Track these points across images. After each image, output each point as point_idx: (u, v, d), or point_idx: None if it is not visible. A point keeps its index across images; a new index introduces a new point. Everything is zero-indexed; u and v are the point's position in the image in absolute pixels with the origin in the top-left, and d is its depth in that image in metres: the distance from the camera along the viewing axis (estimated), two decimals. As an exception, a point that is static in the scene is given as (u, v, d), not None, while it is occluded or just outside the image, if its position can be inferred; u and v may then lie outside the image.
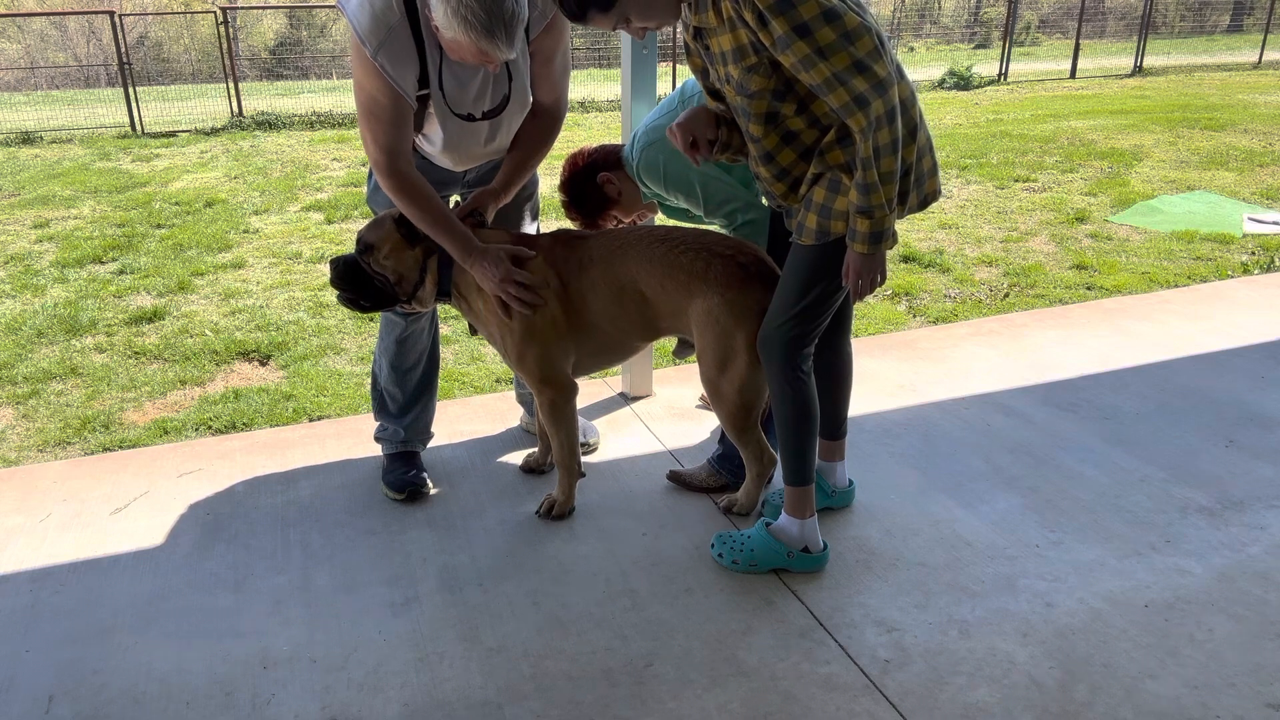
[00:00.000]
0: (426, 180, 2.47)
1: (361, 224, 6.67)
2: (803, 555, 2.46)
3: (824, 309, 2.30)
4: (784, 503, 2.48)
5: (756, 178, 2.34)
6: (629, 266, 2.51)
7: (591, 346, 2.63)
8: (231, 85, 12.70)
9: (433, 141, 2.55)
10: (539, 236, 2.68)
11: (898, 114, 2.03)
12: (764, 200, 2.46)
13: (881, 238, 2.13)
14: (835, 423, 2.63)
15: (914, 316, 4.81)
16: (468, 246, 2.47)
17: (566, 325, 2.56)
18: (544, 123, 2.64)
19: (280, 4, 20.15)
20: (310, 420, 3.71)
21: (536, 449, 3.04)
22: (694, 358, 2.71)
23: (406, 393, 2.91)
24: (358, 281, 2.57)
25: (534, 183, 2.87)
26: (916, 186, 2.21)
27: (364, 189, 3.15)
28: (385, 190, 2.45)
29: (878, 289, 2.24)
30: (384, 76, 2.30)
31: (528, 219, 2.88)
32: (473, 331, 2.74)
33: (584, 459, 3.04)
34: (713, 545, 2.55)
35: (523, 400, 3.25)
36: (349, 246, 6.10)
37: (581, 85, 13.99)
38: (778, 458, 2.69)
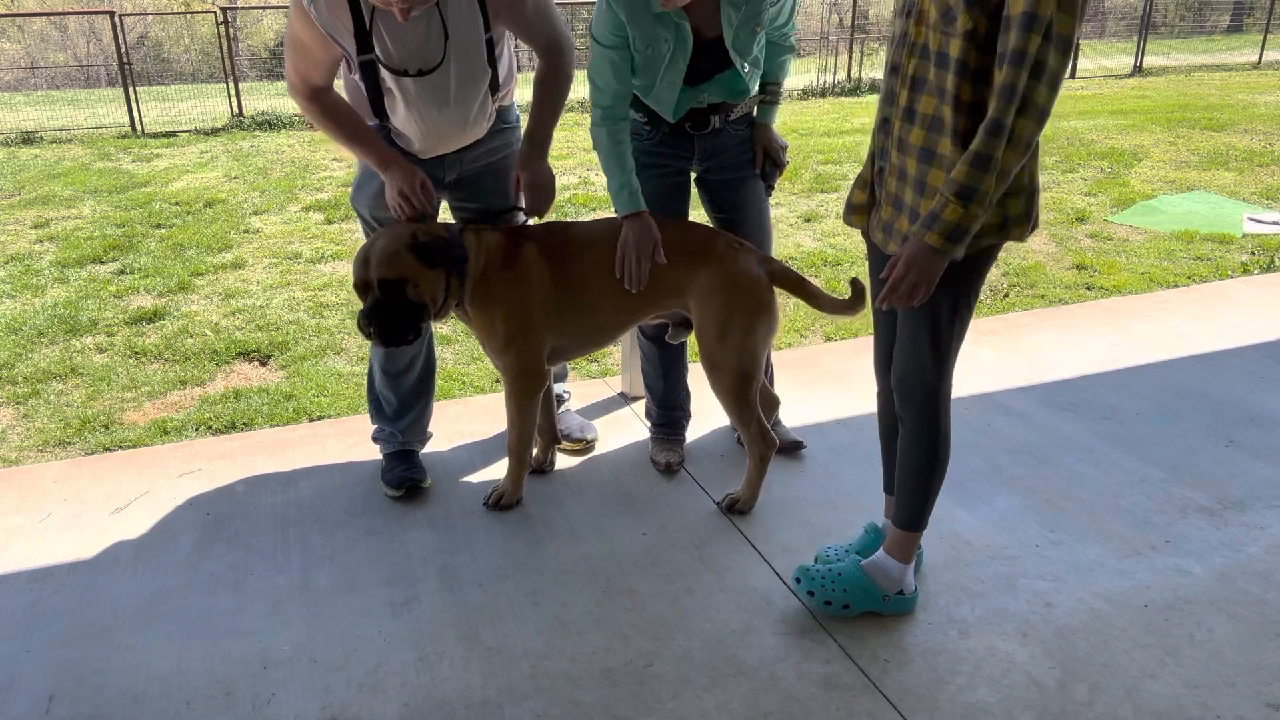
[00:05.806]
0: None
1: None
2: (898, 598, 2.30)
3: (956, 333, 2.04)
4: (887, 542, 2.31)
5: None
6: None
7: (585, 326, 2.70)
8: (231, 85, 12.71)
9: (395, 113, 2.56)
10: (534, 227, 2.73)
11: (1048, 118, 1.74)
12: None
13: (963, 236, 1.79)
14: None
15: (914, 316, 4.80)
16: (384, 155, 2.55)
17: (559, 310, 2.63)
18: (549, 64, 2.69)
19: (280, 4, 20.07)
20: (310, 420, 3.71)
21: (536, 449, 3.04)
22: (689, 337, 2.78)
23: (400, 396, 2.91)
24: (398, 324, 2.47)
25: (515, 142, 2.82)
26: (1036, 208, 1.93)
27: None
28: (304, 114, 2.54)
29: (915, 301, 1.90)
30: (316, 25, 2.37)
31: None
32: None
33: (583, 457, 3.08)
34: (798, 580, 2.32)
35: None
36: (349, 247, 6.10)
37: (581, 85, 13.92)
38: (777, 440, 2.75)
